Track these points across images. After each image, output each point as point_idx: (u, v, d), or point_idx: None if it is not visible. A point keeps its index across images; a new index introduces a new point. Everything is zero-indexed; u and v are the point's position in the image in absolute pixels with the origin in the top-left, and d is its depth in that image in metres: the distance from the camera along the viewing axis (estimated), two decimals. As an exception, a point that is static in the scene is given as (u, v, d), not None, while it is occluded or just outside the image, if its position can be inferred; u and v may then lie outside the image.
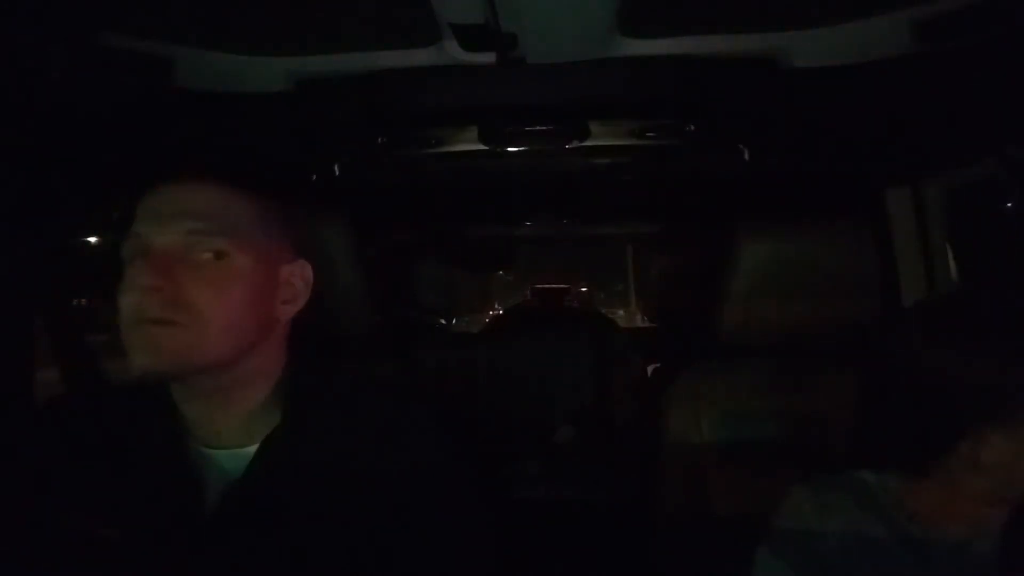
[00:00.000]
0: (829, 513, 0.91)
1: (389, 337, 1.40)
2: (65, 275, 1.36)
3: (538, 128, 1.41)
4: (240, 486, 0.79)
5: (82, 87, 1.02)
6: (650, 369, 2.28)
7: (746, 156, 1.64)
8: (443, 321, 2.76)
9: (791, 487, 0.96)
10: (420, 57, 1.05)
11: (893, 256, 1.60)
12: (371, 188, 2.02)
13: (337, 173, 1.72)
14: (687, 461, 1.25)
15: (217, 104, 1.14)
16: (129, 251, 0.78)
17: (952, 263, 1.57)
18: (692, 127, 1.45)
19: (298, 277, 0.86)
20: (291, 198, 0.89)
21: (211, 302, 0.76)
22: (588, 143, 1.49)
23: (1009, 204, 1.40)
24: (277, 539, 0.77)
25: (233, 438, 0.82)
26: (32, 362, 1.20)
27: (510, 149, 1.53)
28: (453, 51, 1.02)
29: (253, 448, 0.81)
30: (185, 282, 0.75)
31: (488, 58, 1.03)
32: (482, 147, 1.51)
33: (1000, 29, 0.92)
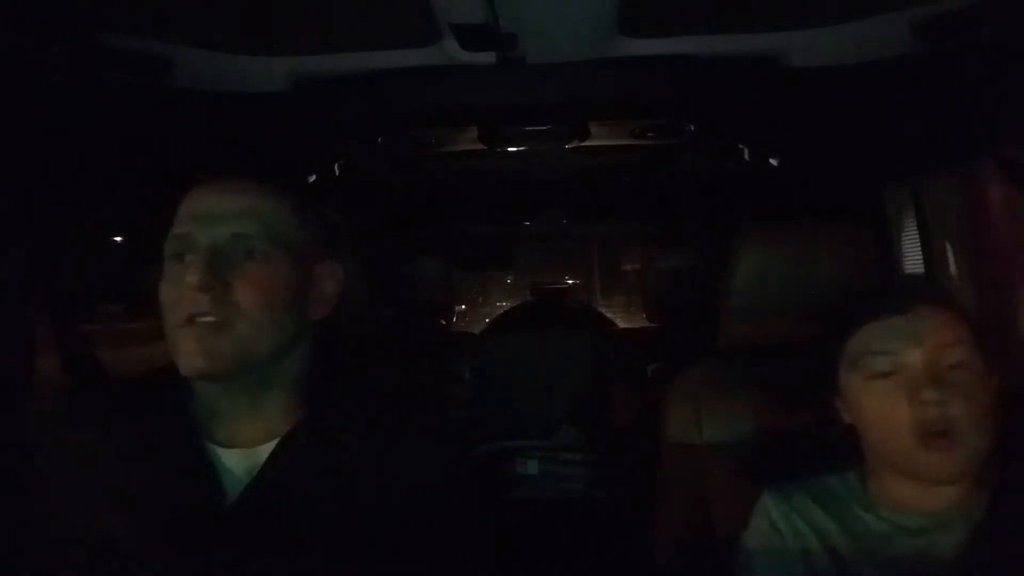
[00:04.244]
0: (795, 517, 0.92)
1: (389, 337, 1.40)
2: (66, 275, 1.36)
3: (538, 128, 1.42)
4: (255, 485, 0.79)
5: (82, 87, 1.02)
6: (650, 369, 2.28)
7: (746, 156, 1.64)
8: (443, 321, 2.76)
9: (762, 493, 0.97)
10: (420, 57, 1.05)
11: (893, 256, 1.60)
12: (371, 188, 2.02)
13: (337, 173, 1.72)
14: (687, 461, 1.25)
15: (217, 104, 1.14)
16: (174, 249, 0.79)
17: (952, 263, 1.57)
18: (692, 127, 1.45)
19: (329, 278, 0.87)
20: (323, 199, 0.90)
21: (256, 301, 0.77)
22: (588, 143, 1.49)
23: (1008, 204, 1.39)
24: (291, 537, 0.78)
25: (250, 437, 0.82)
26: (32, 362, 1.20)
27: (510, 149, 1.54)
28: (453, 51, 1.02)
29: (266, 447, 0.81)
30: (232, 282, 0.76)
31: (488, 58, 1.03)
32: (482, 147, 1.51)
33: (1000, 29, 0.92)
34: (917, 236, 1.60)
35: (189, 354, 0.75)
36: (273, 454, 0.81)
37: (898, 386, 0.83)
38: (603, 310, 3.51)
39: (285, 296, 0.80)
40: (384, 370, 1.39)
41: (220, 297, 0.75)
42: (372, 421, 0.87)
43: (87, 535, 0.76)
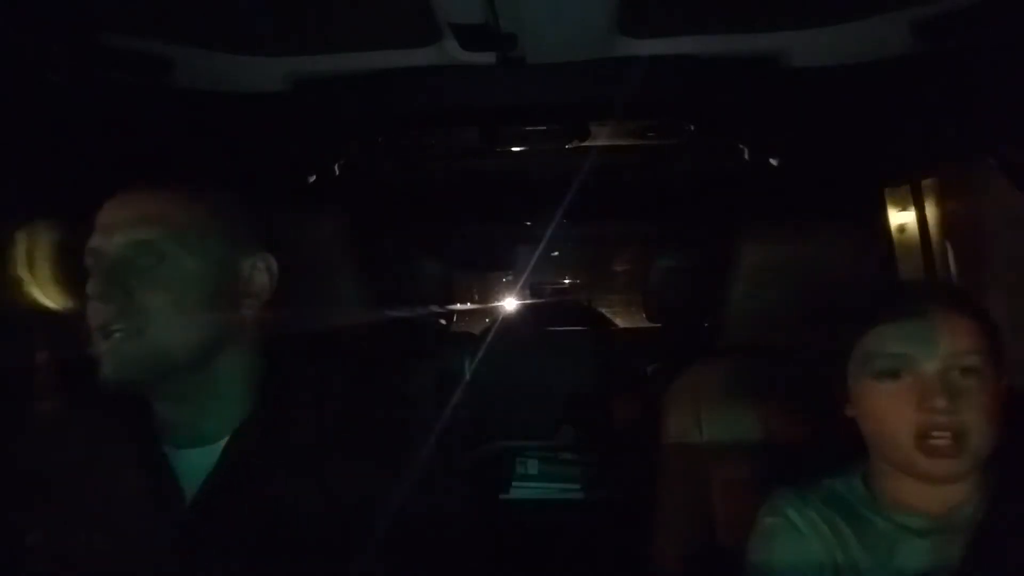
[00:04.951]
0: (813, 515, 0.92)
1: (388, 337, 1.40)
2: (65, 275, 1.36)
3: (538, 128, 1.42)
4: (211, 481, 0.79)
5: (82, 87, 1.02)
6: (650, 369, 2.28)
7: (746, 156, 1.65)
8: (443, 321, 2.76)
9: (771, 495, 0.97)
10: (420, 57, 1.05)
11: (893, 256, 1.60)
12: (371, 188, 2.02)
13: (337, 173, 1.72)
14: (687, 461, 1.25)
15: (217, 104, 1.14)
16: (88, 264, 0.80)
17: (952, 263, 1.57)
18: (692, 127, 1.46)
19: (260, 270, 0.86)
20: (250, 191, 0.88)
21: (164, 306, 0.77)
22: (588, 143, 1.49)
23: (1008, 204, 1.39)
24: (250, 532, 0.78)
25: (209, 435, 0.82)
26: (31, 365, 1.20)
27: (510, 149, 1.54)
28: (453, 51, 1.02)
29: (221, 444, 0.81)
30: (133, 290, 0.77)
31: (488, 58, 1.03)
32: (482, 147, 1.51)
33: (1000, 29, 0.92)
34: (917, 236, 1.61)
35: (103, 363, 0.76)
36: (225, 450, 0.81)
37: (907, 389, 0.83)
38: (603, 310, 3.50)
39: (200, 296, 0.79)
40: (380, 369, 1.39)
41: (123, 307, 0.76)
42: (331, 414, 0.85)
43: (50, 540, 0.77)
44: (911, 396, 0.83)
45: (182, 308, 0.78)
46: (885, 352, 0.86)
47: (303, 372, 0.89)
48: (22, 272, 1.20)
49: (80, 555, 0.76)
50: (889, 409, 0.85)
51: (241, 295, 0.84)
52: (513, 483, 2.31)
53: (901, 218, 1.63)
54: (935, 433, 0.81)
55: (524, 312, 2.96)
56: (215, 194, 0.85)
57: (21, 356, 1.19)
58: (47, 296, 1.31)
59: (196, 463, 0.80)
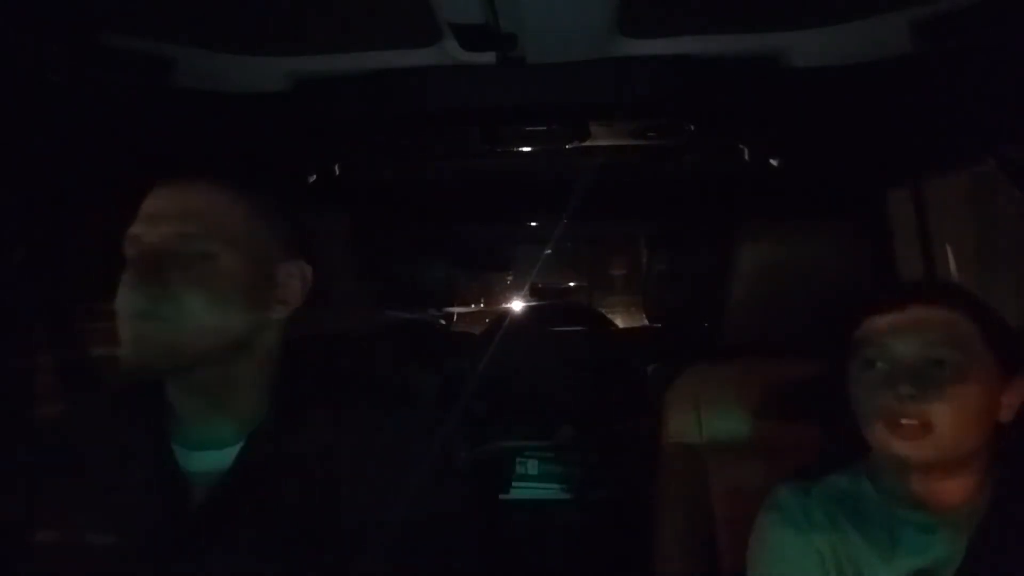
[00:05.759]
0: (815, 511, 0.92)
1: (389, 337, 1.40)
2: (65, 275, 1.36)
3: (538, 128, 1.42)
4: (224, 484, 0.79)
5: (82, 87, 1.02)
6: (650, 369, 2.28)
7: (746, 156, 1.65)
8: (443, 321, 2.76)
9: (772, 490, 0.97)
10: (420, 57, 1.06)
11: (893, 256, 1.60)
12: (371, 188, 2.02)
13: (337, 173, 1.72)
14: (687, 461, 1.25)
15: (217, 104, 1.14)
16: (127, 251, 0.80)
17: (952, 263, 1.57)
18: (692, 127, 1.46)
19: (295, 277, 0.86)
20: (290, 198, 0.89)
21: (196, 299, 0.77)
22: (588, 143, 1.49)
23: (1008, 204, 1.39)
24: (261, 536, 0.78)
25: (225, 437, 0.82)
26: (32, 365, 1.20)
27: (510, 149, 1.54)
28: (453, 51, 1.02)
29: (236, 448, 0.81)
30: (172, 280, 0.77)
31: (488, 58, 1.04)
32: (482, 147, 1.51)
33: (1000, 29, 0.92)
34: (917, 236, 1.60)
35: (125, 347, 0.76)
36: (241, 451, 0.81)
37: (882, 376, 0.87)
38: (603, 310, 3.51)
39: (233, 294, 0.80)
40: (380, 369, 1.39)
41: (156, 295, 0.76)
42: (354, 419, 0.86)
43: (61, 540, 0.77)
44: (884, 382, 0.86)
45: (213, 304, 0.78)
46: (867, 343, 0.90)
47: (313, 376, 0.89)
48: (26, 271, 1.20)
49: (87, 552, 0.76)
50: (866, 394, 0.88)
51: (273, 300, 0.84)
52: (513, 483, 2.30)
53: (901, 218, 1.63)
54: (904, 421, 0.83)
55: (524, 312, 2.96)
56: (261, 196, 0.85)
57: (29, 354, 1.20)
58: (52, 294, 1.31)
59: (207, 465, 0.80)
